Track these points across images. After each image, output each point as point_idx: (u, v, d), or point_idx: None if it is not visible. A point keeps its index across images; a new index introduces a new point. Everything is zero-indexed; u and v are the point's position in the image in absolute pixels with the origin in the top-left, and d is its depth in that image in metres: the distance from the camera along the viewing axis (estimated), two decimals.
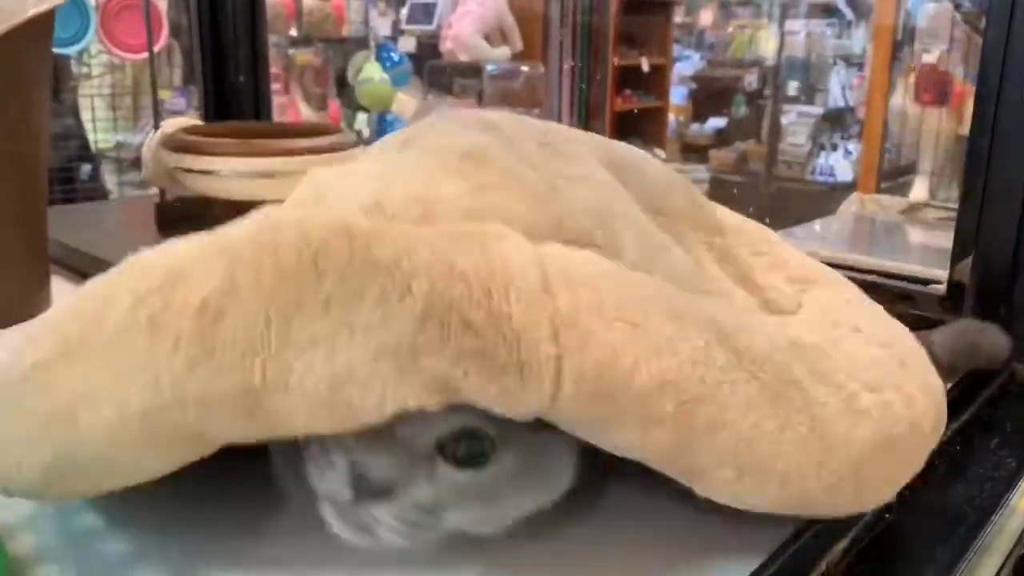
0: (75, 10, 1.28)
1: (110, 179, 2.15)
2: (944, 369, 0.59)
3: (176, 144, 0.94)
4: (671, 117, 4.72)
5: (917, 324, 0.59)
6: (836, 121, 4.63)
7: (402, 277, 0.35)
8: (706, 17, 5.11)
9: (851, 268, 0.76)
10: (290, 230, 0.37)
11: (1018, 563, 0.50)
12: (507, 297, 0.36)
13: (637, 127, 4.28)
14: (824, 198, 3.91)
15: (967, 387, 0.62)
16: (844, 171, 4.40)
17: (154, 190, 1.48)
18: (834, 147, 4.58)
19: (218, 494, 0.46)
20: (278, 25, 3.55)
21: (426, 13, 3.86)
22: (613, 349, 0.36)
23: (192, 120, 1.14)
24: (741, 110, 4.85)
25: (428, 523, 0.39)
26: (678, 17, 4.70)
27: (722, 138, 4.88)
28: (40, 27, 0.75)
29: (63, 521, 0.45)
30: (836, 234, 1.43)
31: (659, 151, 4.20)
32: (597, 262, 0.40)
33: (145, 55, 1.98)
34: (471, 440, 0.38)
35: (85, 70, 2.07)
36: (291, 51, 3.72)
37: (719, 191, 4.30)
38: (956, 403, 0.59)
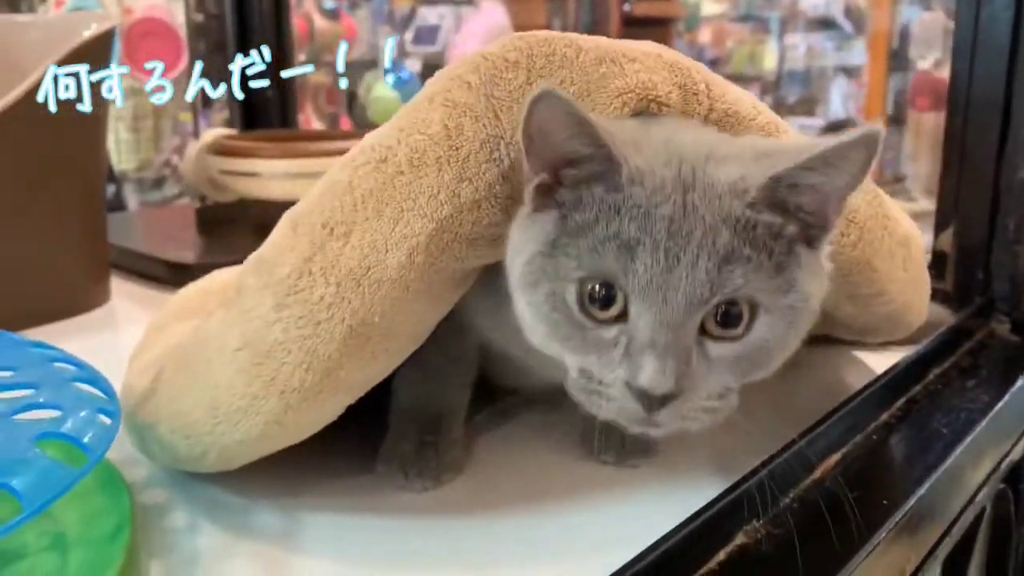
0: None
1: (132, 198, 2.22)
2: None
3: (220, 148, 1.01)
4: None
5: None
6: (837, 132, 4.69)
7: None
8: (705, 33, 5.17)
9: None
10: (469, 63, 0.43)
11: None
12: None
13: None
14: None
15: (950, 340, 0.68)
16: None
17: (186, 200, 1.55)
18: None
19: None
20: None
21: (431, 35, 3.95)
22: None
23: (229, 130, 1.21)
24: None
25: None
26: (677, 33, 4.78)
27: None
28: (102, 46, 0.83)
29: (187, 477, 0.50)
30: None
31: None
32: None
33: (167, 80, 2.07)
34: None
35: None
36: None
37: None
38: (940, 352, 0.66)
